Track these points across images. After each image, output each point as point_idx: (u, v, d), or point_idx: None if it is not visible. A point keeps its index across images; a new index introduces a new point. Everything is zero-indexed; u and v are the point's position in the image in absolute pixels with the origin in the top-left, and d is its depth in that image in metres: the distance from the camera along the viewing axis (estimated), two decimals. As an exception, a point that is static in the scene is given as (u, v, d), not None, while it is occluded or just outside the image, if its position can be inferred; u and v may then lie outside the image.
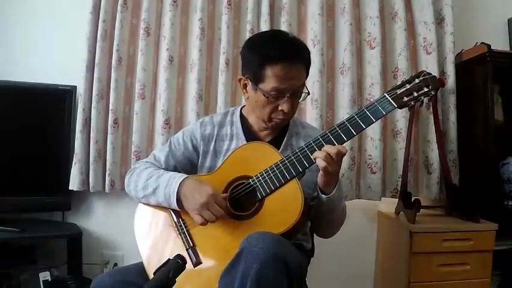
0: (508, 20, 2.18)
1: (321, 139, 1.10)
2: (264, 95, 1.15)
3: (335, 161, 1.04)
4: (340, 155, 1.05)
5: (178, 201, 1.13)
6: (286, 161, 1.10)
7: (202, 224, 1.09)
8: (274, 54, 1.13)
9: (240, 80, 1.24)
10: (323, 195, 1.10)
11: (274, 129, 1.26)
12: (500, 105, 2.02)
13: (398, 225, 1.88)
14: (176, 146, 1.31)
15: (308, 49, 1.22)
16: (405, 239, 1.74)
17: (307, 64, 1.19)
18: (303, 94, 1.19)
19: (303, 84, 1.19)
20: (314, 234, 1.44)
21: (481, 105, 1.92)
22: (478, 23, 2.16)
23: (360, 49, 2.02)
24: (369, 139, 1.97)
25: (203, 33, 1.94)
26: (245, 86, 1.23)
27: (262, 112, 1.20)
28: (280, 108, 1.17)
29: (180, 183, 1.13)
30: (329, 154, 1.04)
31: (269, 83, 1.13)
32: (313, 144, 1.10)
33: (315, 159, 1.06)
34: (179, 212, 1.17)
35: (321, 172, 1.07)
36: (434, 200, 2.01)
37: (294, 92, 1.16)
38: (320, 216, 1.19)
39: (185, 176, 1.16)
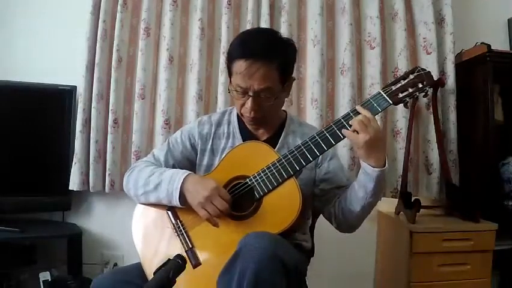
0: (508, 20, 2.18)
1: (317, 137, 1.10)
2: (230, 89, 1.17)
3: (364, 128, 1.01)
4: (365, 122, 1.02)
5: (181, 196, 1.12)
6: (283, 160, 1.10)
7: (207, 219, 1.09)
8: (235, 51, 1.14)
9: None
10: (376, 169, 1.04)
11: (256, 125, 1.24)
12: (500, 105, 2.02)
13: (398, 225, 1.88)
14: (174, 145, 1.31)
15: (286, 50, 1.16)
16: (405, 239, 1.74)
17: (280, 64, 1.12)
18: (273, 98, 1.13)
19: (269, 88, 1.11)
20: (314, 234, 1.45)
21: (481, 105, 1.92)
22: (478, 23, 2.16)
23: (360, 49, 2.02)
24: (369, 139, 1.97)
25: (203, 33, 1.94)
26: None
27: (236, 106, 1.22)
28: (246, 105, 1.16)
29: (184, 178, 1.12)
30: (356, 127, 1.02)
31: (234, 79, 1.14)
32: (309, 142, 1.10)
33: (343, 135, 1.06)
34: (177, 214, 1.17)
35: (357, 146, 1.05)
36: (434, 200, 2.01)
37: (256, 94, 1.12)
38: (360, 201, 1.11)
39: (188, 172, 1.15)
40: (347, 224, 1.20)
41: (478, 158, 1.94)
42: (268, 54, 1.11)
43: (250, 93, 1.12)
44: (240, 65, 1.10)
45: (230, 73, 1.17)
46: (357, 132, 1.03)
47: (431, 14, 1.97)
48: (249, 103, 1.14)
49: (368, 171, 1.06)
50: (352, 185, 1.15)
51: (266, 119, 1.22)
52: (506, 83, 2.00)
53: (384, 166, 1.06)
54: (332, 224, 1.25)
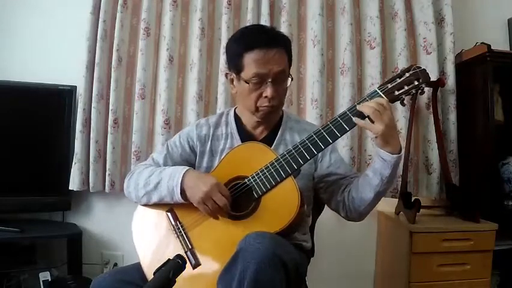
0: (508, 20, 2.18)
1: (314, 136, 1.10)
2: (246, 82, 1.18)
3: (379, 116, 1.02)
4: (379, 109, 1.03)
5: (182, 192, 1.12)
6: (281, 159, 1.11)
7: (207, 214, 1.10)
8: (249, 42, 1.17)
9: (226, 75, 1.28)
10: (394, 155, 1.06)
11: (265, 120, 1.25)
12: (500, 105, 2.02)
13: (398, 225, 1.88)
14: (173, 149, 1.31)
15: (288, 38, 1.24)
16: (405, 239, 1.74)
17: (287, 50, 1.20)
18: (288, 80, 1.20)
19: (284, 70, 1.18)
20: (314, 234, 1.45)
21: (481, 105, 1.92)
22: (478, 23, 2.16)
23: (360, 49, 2.02)
24: (369, 139, 1.97)
25: (203, 33, 1.94)
26: (232, 80, 1.25)
27: (249, 102, 1.21)
28: (264, 94, 1.17)
29: (184, 174, 1.13)
30: (369, 114, 1.03)
31: (249, 69, 1.16)
32: (307, 141, 1.11)
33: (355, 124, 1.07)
34: (176, 215, 1.17)
35: (375, 134, 1.06)
36: (434, 200, 2.01)
37: (275, 77, 1.16)
38: (374, 187, 1.12)
39: (187, 168, 1.16)
40: (358, 212, 1.21)
41: (478, 158, 1.94)
42: (279, 40, 1.19)
43: (269, 79, 1.16)
44: (256, 53, 1.15)
45: (241, 67, 1.18)
46: (372, 122, 1.03)
47: (431, 14, 1.98)
48: (268, 91, 1.16)
49: (385, 158, 1.07)
50: (364, 173, 1.16)
51: (279, 108, 1.26)
52: (506, 83, 2.00)
53: (400, 152, 1.08)
54: (339, 213, 1.25)
